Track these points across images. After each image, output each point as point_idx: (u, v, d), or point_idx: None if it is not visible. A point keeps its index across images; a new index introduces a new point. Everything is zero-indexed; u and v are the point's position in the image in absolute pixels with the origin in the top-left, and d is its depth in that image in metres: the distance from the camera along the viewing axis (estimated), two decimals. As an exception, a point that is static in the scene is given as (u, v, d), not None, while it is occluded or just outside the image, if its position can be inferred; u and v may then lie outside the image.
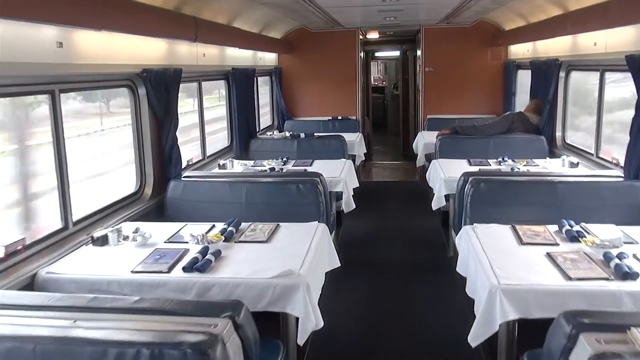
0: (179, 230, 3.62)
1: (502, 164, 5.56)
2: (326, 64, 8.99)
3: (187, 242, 3.35)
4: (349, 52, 8.93)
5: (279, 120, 8.91)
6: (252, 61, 7.46)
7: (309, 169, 5.61)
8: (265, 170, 5.39)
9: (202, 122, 5.80)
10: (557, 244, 3.23)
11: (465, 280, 3.37)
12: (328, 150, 6.55)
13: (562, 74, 6.20)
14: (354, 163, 7.59)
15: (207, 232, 3.47)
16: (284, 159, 6.02)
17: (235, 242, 3.41)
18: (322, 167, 5.75)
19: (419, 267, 5.39)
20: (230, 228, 3.53)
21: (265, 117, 8.96)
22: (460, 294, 4.01)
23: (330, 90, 9.05)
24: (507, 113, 6.78)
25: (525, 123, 6.63)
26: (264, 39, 7.56)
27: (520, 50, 7.82)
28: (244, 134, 6.67)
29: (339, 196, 5.32)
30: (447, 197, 5.25)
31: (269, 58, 8.46)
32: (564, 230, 3.40)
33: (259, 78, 8.27)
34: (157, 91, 4.31)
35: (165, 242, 3.43)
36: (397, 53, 13.24)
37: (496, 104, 8.67)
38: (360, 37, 9.14)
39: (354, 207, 5.31)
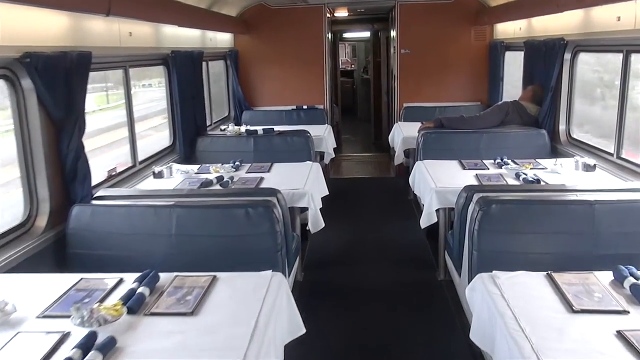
0: (66, 292, 2.43)
1: (502, 167, 4.52)
2: (289, 45, 7.79)
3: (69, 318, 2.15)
4: (315, 32, 7.75)
5: (235, 111, 7.69)
6: (200, 43, 6.22)
7: (266, 177, 4.46)
8: (209, 182, 4.22)
9: (131, 119, 4.57)
10: (626, 312, 2.18)
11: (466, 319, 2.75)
12: (291, 150, 5.41)
13: (566, 56, 5.16)
14: (322, 161, 6.48)
15: (100, 300, 2.32)
16: (237, 162, 4.85)
17: (145, 314, 2.25)
18: (282, 173, 4.62)
19: (405, 296, 4.34)
20: (140, 290, 2.35)
21: (220, 107, 7.75)
22: (459, 333, 3.61)
23: (294, 76, 7.87)
24: (501, 102, 5.73)
25: (521, 114, 5.59)
26: (214, 17, 6.32)
27: (509, 29, 6.76)
28: (189, 131, 5.46)
29: (303, 208, 4.20)
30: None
31: (222, 39, 7.22)
32: (627, 286, 2.33)
33: (211, 63, 7.05)
34: (51, 83, 3.08)
35: (36, 317, 2.24)
36: (367, 34, 12.08)
37: (481, 90, 7.64)
38: (328, 15, 7.95)
39: (323, 225, 4.21)
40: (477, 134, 5.35)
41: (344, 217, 6.14)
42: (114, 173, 4.16)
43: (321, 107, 7.84)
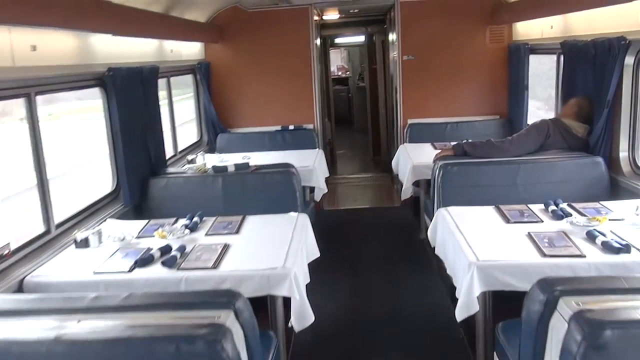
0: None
1: (560, 216, 3.23)
2: (271, 55, 6.49)
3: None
4: (301, 38, 6.46)
5: (209, 135, 6.39)
6: (156, 55, 4.92)
7: (234, 242, 3.15)
8: (148, 259, 2.91)
9: (40, 164, 3.24)
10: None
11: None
12: (271, 192, 4.14)
13: (628, 61, 3.88)
14: (311, 196, 5.19)
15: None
16: (195, 217, 3.55)
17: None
18: (256, 235, 3.32)
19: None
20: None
21: (190, 130, 6.45)
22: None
23: (278, 91, 6.57)
24: (539, 121, 4.43)
25: (566, 136, 4.30)
26: (175, 23, 5.02)
27: (535, 28, 5.48)
28: (138, 172, 4.15)
29: (286, 301, 2.88)
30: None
31: (189, 50, 5.92)
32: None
33: (180, 77, 5.77)
34: None
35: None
36: (361, 38, 10.79)
37: (500, 102, 6.36)
38: (315, 17, 6.66)
39: (312, 320, 2.89)
40: (513, 165, 4.06)
41: (338, 272, 4.80)
42: (5, 252, 2.84)
43: (310, 126, 6.54)
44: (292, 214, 3.62)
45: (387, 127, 8.86)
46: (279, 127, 6.49)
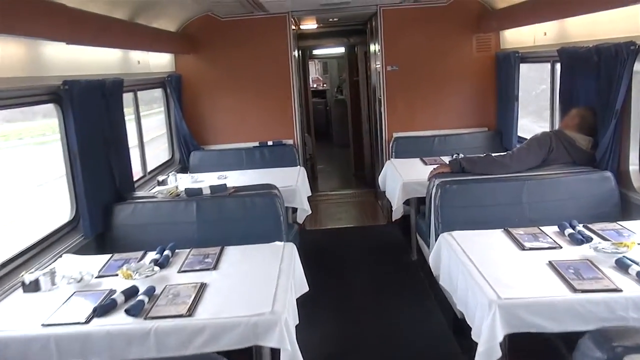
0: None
1: (580, 241, 2.87)
2: (247, 66, 6.08)
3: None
4: (279, 47, 6.06)
5: (181, 153, 5.91)
6: (120, 67, 4.45)
7: (211, 280, 2.70)
8: (110, 305, 2.44)
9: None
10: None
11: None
12: (252, 218, 3.70)
13: (637, 67, 3.58)
14: (295, 223, 4.77)
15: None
16: (166, 252, 3.09)
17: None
18: (237, 269, 2.88)
19: None
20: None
21: (162, 148, 5.98)
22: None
23: (255, 105, 6.15)
24: (540, 134, 4.10)
25: (570, 149, 3.97)
26: (142, 32, 4.58)
27: (526, 36, 5.19)
28: (97, 198, 3.66)
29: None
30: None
31: (158, 61, 5.46)
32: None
33: (148, 90, 5.32)
34: None
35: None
36: (340, 50, 10.46)
37: (487, 113, 6.05)
38: (293, 27, 6.28)
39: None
40: (517, 182, 3.70)
41: (326, 304, 4.34)
42: None
43: (290, 141, 6.12)
44: (278, 243, 3.18)
45: (370, 142, 8.52)
46: (256, 144, 6.06)
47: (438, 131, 6.05)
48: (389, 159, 5.91)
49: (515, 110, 5.46)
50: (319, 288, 4.27)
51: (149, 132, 5.48)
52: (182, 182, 5.04)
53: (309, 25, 7.43)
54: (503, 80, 5.70)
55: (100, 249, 3.60)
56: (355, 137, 9.23)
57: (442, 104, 6.10)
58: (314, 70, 15.05)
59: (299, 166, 5.54)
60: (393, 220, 4.80)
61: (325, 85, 14.27)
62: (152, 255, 3.11)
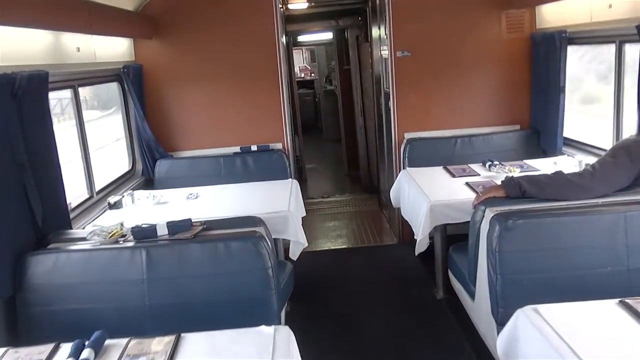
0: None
1: None
2: (225, 55, 4.85)
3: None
4: (264, 32, 4.83)
5: (145, 163, 4.68)
6: (49, 55, 3.22)
7: None
8: None
9: None
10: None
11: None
12: (227, 272, 2.51)
13: None
14: (288, 259, 3.59)
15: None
16: (86, 352, 1.90)
17: None
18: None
19: None
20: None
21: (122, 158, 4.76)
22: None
23: (236, 102, 4.92)
24: (629, 141, 2.95)
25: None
26: (85, 9, 3.33)
27: (577, 11, 4.04)
28: (6, 247, 2.46)
29: None
30: None
31: (109, 49, 4.23)
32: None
33: (99, 85, 4.10)
34: None
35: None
36: (328, 35, 9.23)
37: (519, 108, 4.92)
38: (280, 5, 5.04)
39: None
40: (612, 215, 2.54)
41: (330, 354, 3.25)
42: None
43: (279, 145, 4.92)
44: (266, 330, 1.99)
45: (366, 139, 7.35)
46: (237, 149, 4.85)
47: (460, 131, 4.90)
48: (401, 167, 4.77)
49: (560, 105, 4.32)
50: (320, 341, 3.15)
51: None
52: (141, 204, 3.84)
53: (299, 4, 6.19)
54: (541, 67, 4.55)
55: (4, 326, 2.40)
56: (347, 131, 8.08)
57: (464, 96, 4.93)
58: (302, 59, 13.83)
59: (290, 179, 4.34)
60: (416, 253, 3.63)
61: (313, 75, 13.02)
62: (66, 348, 1.93)
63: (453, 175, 3.99)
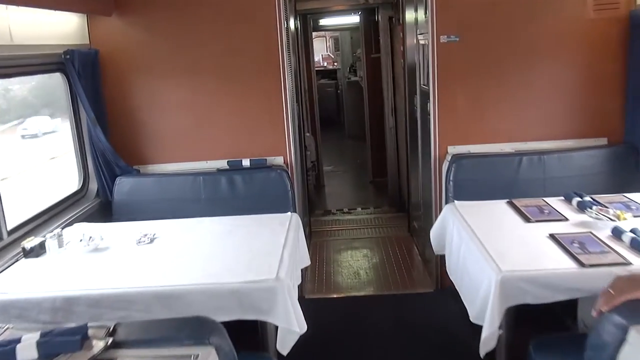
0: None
1: None
2: (209, 41, 3.57)
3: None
4: (260, 12, 3.53)
5: (101, 180, 3.46)
6: None
7: None
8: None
9: None
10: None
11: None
12: None
13: None
14: (276, 356, 2.31)
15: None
16: None
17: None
18: None
19: None
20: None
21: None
22: None
23: (223, 101, 3.65)
24: None
25: None
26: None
27: None
28: None
29: None
30: None
31: (46, 28, 3.02)
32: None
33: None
34: None
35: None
36: (355, 19, 7.87)
37: (608, 115, 3.55)
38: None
39: None
40: None
41: None
42: None
43: (279, 159, 3.66)
44: None
45: (396, 142, 6.03)
46: (224, 163, 3.62)
47: (524, 145, 3.57)
48: (441, 192, 3.48)
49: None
50: None
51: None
52: (71, 250, 2.64)
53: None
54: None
55: None
56: (373, 130, 6.78)
57: (531, 98, 3.58)
58: (325, 47, 12.54)
59: (290, 213, 3.06)
60: (481, 354, 2.32)
61: (336, 64, 11.69)
62: None
63: (527, 219, 2.66)
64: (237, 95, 3.62)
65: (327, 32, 11.97)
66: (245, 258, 2.44)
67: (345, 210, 6.11)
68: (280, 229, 2.78)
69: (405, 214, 5.37)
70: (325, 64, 12.33)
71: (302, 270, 2.99)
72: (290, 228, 2.81)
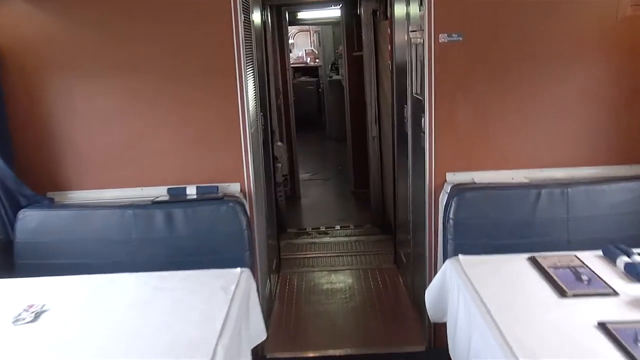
0: None
1: None
2: (145, 34, 2.74)
3: None
4: (210, 5, 2.72)
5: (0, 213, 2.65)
6: None
7: None
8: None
9: None
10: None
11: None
12: None
13: None
14: None
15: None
16: None
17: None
18: None
19: None
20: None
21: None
22: None
23: (161, 110, 2.83)
24: None
25: None
26: None
27: None
28: None
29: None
30: None
31: None
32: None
33: None
34: None
35: None
36: (336, 12, 7.06)
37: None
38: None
39: None
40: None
41: None
42: None
43: (235, 186, 2.85)
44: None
45: (380, 152, 5.27)
46: (164, 190, 2.81)
47: (540, 171, 2.82)
48: (437, 232, 2.72)
49: None
50: None
51: None
52: None
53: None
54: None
55: None
56: (355, 134, 6.08)
57: (549, 114, 2.82)
58: (309, 42, 11.71)
59: (239, 269, 2.24)
60: None
61: (318, 60, 10.89)
62: None
63: (561, 291, 1.90)
64: (181, 104, 2.81)
65: (311, 27, 11.15)
66: (163, 348, 1.65)
67: (323, 229, 5.34)
68: (221, 297, 1.98)
69: (390, 236, 4.62)
70: (309, 59, 11.52)
71: (264, 316, 2.23)
72: (236, 295, 2.01)
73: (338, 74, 9.24)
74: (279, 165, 5.01)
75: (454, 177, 2.84)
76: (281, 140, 5.79)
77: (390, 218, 4.70)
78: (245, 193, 2.84)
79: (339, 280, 4.06)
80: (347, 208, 5.99)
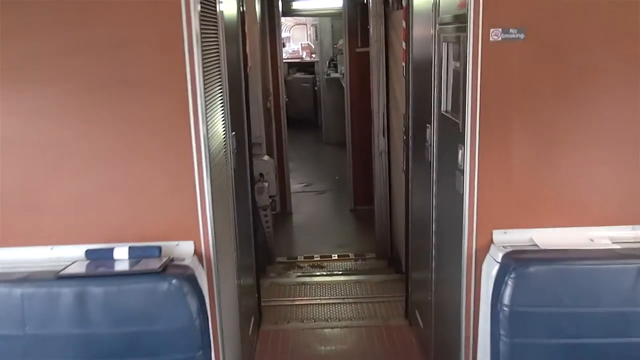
0: None
1: None
2: (65, 28, 1.81)
3: None
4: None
5: None
6: None
7: None
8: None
9: None
10: None
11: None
12: None
13: None
14: None
15: None
16: None
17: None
18: None
19: None
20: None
21: None
22: None
23: (86, 137, 1.90)
24: None
25: None
26: None
27: None
28: None
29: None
30: None
31: None
32: None
33: None
34: None
35: None
36: (337, 2, 6.08)
37: None
38: None
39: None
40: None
41: None
42: None
43: (186, 245, 1.92)
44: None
45: (389, 170, 4.36)
46: (81, 252, 1.88)
47: (632, 229, 1.90)
48: (492, 342, 1.78)
49: None
50: None
51: None
52: None
53: None
54: None
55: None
56: (356, 142, 5.34)
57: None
58: (306, 36, 10.79)
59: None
60: None
61: (314, 55, 9.95)
62: None
63: None
64: (107, 126, 1.88)
65: (307, 19, 10.20)
66: None
67: (317, 258, 4.44)
68: None
69: (400, 276, 3.73)
70: (305, 54, 10.60)
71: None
72: None
73: (336, 72, 8.31)
74: (265, 184, 4.09)
75: (505, 237, 1.93)
76: (270, 151, 4.88)
77: (399, 253, 3.81)
78: (201, 256, 1.92)
79: (336, 340, 3.14)
80: (346, 231, 5.11)
